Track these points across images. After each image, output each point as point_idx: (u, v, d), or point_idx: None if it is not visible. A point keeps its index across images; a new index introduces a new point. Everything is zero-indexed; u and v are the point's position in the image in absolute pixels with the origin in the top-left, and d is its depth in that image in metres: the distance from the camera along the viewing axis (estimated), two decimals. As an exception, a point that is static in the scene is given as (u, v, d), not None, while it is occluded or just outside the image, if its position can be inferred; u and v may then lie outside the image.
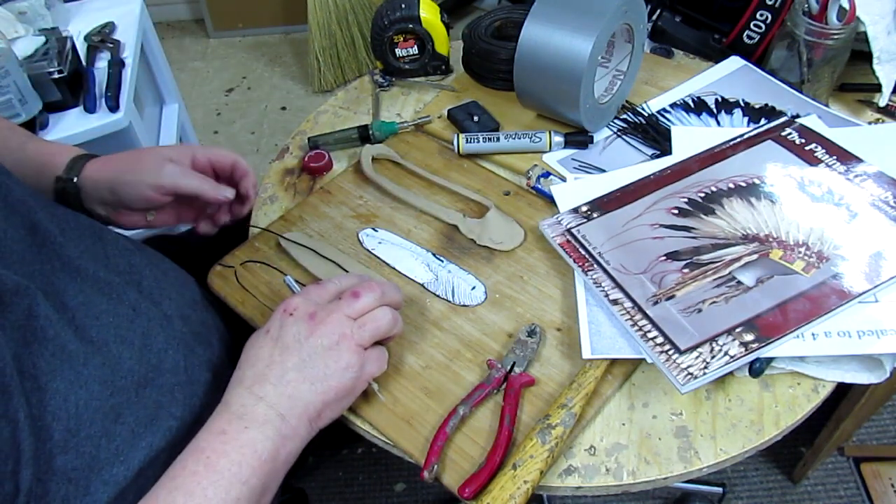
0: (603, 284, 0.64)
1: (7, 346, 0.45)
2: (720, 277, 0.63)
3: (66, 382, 0.48)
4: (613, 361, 0.61)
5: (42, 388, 0.47)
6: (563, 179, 0.78)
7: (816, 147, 0.74)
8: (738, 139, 0.77)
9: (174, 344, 0.58)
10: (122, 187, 0.68)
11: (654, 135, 0.83)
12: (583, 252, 0.68)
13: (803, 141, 0.75)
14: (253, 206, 0.77)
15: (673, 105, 0.87)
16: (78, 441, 0.48)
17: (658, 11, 1.01)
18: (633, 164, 0.79)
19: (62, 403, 0.48)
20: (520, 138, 0.82)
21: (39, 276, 0.51)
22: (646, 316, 0.61)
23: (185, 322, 0.61)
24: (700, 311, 0.60)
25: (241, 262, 0.73)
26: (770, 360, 0.59)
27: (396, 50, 0.94)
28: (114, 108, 1.13)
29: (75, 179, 0.68)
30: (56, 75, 1.10)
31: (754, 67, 0.90)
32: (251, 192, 0.74)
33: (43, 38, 1.15)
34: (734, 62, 0.91)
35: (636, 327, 0.60)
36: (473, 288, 0.69)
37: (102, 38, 1.26)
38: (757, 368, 0.59)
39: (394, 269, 0.72)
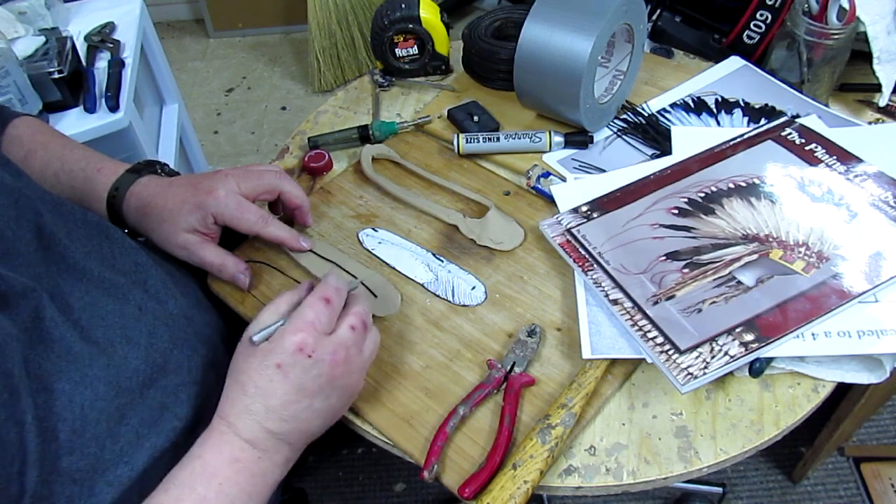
0: (603, 284, 0.64)
1: (16, 348, 0.45)
2: (720, 277, 0.63)
3: (72, 384, 0.48)
4: (613, 361, 0.61)
5: (48, 390, 0.47)
6: (563, 179, 0.78)
7: (816, 147, 0.74)
8: (738, 139, 0.77)
9: (179, 344, 0.58)
10: (154, 239, 0.68)
11: (654, 135, 0.83)
12: (583, 252, 0.68)
13: (803, 141, 0.75)
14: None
15: (673, 105, 0.87)
16: (83, 442, 0.48)
17: (658, 11, 1.01)
18: (633, 164, 0.79)
19: (68, 404, 0.48)
20: (520, 138, 0.82)
21: (45, 278, 0.51)
22: (646, 316, 0.61)
23: (190, 322, 0.61)
24: (700, 311, 0.60)
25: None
26: (770, 360, 0.59)
27: (396, 50, 0.94)
28: (114, 108, 1.13)
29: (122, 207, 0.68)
30: (56, 75, 1.10)
31: (754, 67, 0.90)
32: (307, 221, 0.74)
33: (43, 38, 1.15)
34: (734, 62, 0.91)
35: (636, 327, 0.60)
36: (473, 288, 0.69)
37: (102, 38, 1.26)
38: (757, 368, 0.59)
39: (394, 269, 0.72)
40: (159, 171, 0.71)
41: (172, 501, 0.48)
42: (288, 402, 0.52)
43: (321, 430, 0.56)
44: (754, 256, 0.64)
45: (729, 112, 0.85)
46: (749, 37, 0.93)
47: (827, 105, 0.86)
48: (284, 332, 0.53)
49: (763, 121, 0.81)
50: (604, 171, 0.80)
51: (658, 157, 0.80)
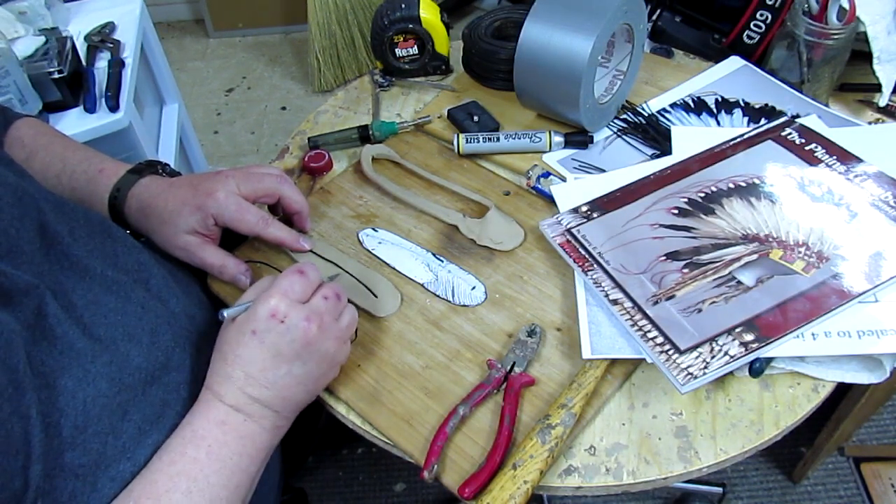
0: (603, 284, 0.64)
1: (20, 344, 0.45)
2: (720, 277, 0.63)
3: (75, 380, 0.49)
4: (613, 361, 0.61)
5: (51, 386, 0.47)
6: (563, 179, 0.78)
7: (816, 147, 0.74)
8: (738, 139, 0.77)
9: (181, 342, 0.58)
10: (155, 240, 0.69)
11: (654, 135, 0.83)
12: (583, 252, 0.68)
13: (803, 141, 0.75)
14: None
15: (673, 105, 0.87)
16: (86, 438, 0.48)
17: (658, 11, 1.01)
18: (633, 164, 0.79)
19: (70, 400, 0.48)
20: (520, 138, 0.82)
21: (48, 276, 0.52)
22: (646, 316, 0.61)
23: (192, 321, 0.61)
24: (700, 310, 0.60)
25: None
26: (770, 360, 0.59)
27: (396, 50, 0.94)
28: (114, 108, 1.13)
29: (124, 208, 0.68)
30: (56, 75, 1.10)
31: (754, 67, 0.90)
32: (306, 226, 0.74)
33: (43, 38, 1.15)
34: (734, 62, 0.91)
35: (636, 327, 0.60)
36: (473, 288, 0.69)
37: (102, 38, 1.26)
38: (757, 368, 0.59)
39: (394, 269, 0.72)
40: (160, 171, 0.71)
41: (166, 466, 0.50)
42: (266, 367, 0.54)
43: (306, 399, 0.58)
44: (754, 256, 0.64)
45: (729, 112, 0.85)
46: (749, 37, 0.93)
47: (827, 105, 0.86)
48: (258, 300, 0.55)
49: (763, 121, 0.81)
50: (604, 171, 0.80)
51: (658, 157, 0.80)
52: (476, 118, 0.86)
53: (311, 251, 0.72)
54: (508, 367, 0.62)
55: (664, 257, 0.66)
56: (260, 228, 0.67)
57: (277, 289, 0.55)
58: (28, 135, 0.71)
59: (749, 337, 0.57)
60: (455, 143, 0.83)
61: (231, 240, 0.72)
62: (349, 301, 0.60)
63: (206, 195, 0.65)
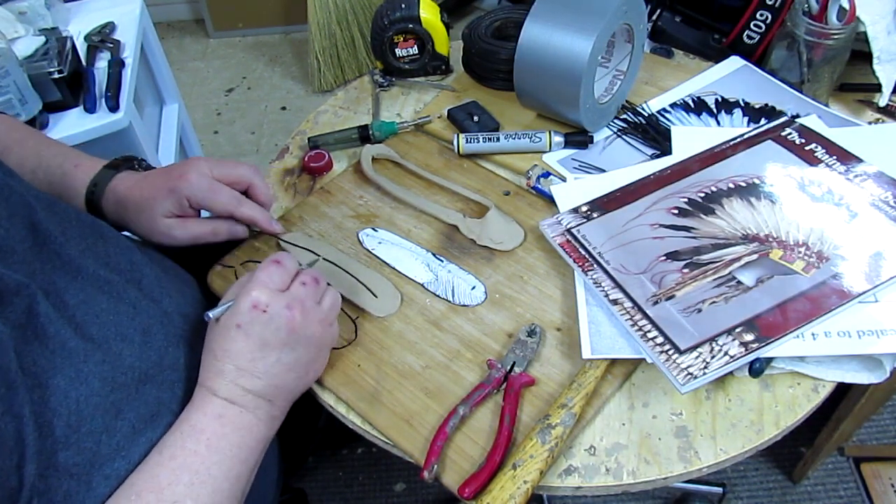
0: (603, 284, 0.64)
1: (10, 344, 0.45)
2: (720, 277, 0.63)
3: (67, 379, 0.49)
4: (613, 361, 0.61)
5: (42, 385, 0.47)
6: (563, 179, 0.78)
7: (816, 147, 0.74)
8: (738, 139, 0.77)
9: (174, 341, 0.58)
10: (137, 233, 0.69)
11: (654, 135, 0.83)
12: (583, 252, 0.68)
13: (803, 141, 0.75)
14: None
15: (673, 105, 0.87)
16: (79, 437, 0.49)
17: (658, 11, 1.01)
18: (633, 164, 0.79)
19: (63, 400, 0.48)
20: (520, 138, 0.82)
21: (40, 276, 0.52)
22: (646, 316, 0.61)
23: (185, 320, 0.61)
24: (700, 311, 0.60)
25: (242, 262, 0.73)
26: (770, 360, 0.59)
27: (396, 50, 0.94)
28: (114, 108, 1.13)
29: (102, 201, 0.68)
30: (56, 75, 1.10)
31: (754, 67, 0.90)
32: (267, 217, 0.73)
33: (43, 38, 1.15)
34: (734, 62, 0.91)
35: (636, 327, 0.60)
36: (473, 288, 0.69)
37: (102, 38, 1.26)
38: (757, 368, 0.59)
39: (394, 269, 0.72)
40: (136, 166, 0.72)
41: (167, 461, 0.51)
42: (255, 358, 0.55)
43: (298, 386, 0.59)
44: (754, 256, 0.64)
45: (729, 112, 0.85)
46: (749, 37, 0.93)
47: (827, 105, 0.86)
48: (240, 295, 0.56)
49: (763, 121, 0.81)
50: (604, 171, 0.80)
51: (658, 157, 0.80)
52: (476, 118, 0.86)
53: (310, 251, 0.72)
54: (508, 367, 0.62)
55: (664, 257, 0.66)
56: (233, 207, 0.68)
57: (256, 281, 0.56)
58: (1, 130, 0.71)
59: (749, 337, 0.57)
60: (455, 143, 0.83)
61: (228, 244, 0.72)
62: (345, 298, 0.60)
63: (179, 178, 0.66)
